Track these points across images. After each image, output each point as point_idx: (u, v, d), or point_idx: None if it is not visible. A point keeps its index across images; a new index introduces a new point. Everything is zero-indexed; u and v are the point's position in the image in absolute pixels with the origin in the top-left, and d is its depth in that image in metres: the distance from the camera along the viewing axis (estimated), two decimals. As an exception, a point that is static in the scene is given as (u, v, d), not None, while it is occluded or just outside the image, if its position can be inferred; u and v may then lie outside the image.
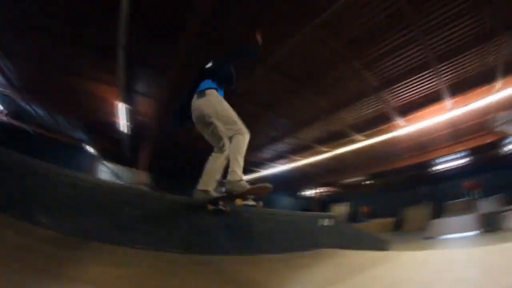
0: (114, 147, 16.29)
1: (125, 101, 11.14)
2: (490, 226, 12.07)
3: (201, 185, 3.66)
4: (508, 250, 3.32)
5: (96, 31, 8.59)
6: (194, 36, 8.35)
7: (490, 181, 20.97)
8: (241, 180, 3.32)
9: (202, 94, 3.57)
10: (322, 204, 30.27)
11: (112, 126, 13.70)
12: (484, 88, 10.65)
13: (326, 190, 28.17)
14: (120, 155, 16.53)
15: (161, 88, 10.29)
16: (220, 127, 3.51)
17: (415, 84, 10.65)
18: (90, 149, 16.87)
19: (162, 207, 3.92)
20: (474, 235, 11.99)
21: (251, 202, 4.63)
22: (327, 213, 6.01)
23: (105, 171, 17.91)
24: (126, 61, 8.75)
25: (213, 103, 3.51)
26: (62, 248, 2.66)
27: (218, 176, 3.79)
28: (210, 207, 3.82)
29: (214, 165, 3.76)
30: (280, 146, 16.57)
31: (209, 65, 4.00)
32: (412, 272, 3.16)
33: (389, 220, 23.71)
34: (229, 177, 3.35)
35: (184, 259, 3.29)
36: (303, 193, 28.45)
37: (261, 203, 11.96)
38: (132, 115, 12.69)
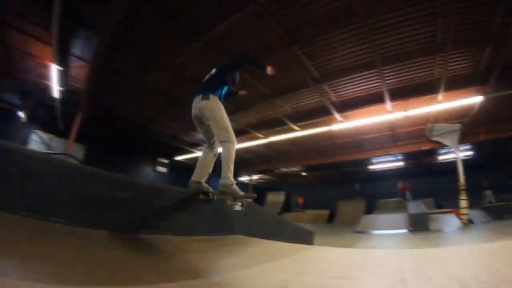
0: (47, 115, 14.40)
1: (59, 62, 9.65)
2: (417, 226, 12.62)
3: (195, 177, 4.19)
4: (421, 255, 3.54)
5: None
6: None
7: (421, 185, 22.29)
8: (233, 184, 3.81)
9: (206, 96, 3.90)
10: (259, 191, 30.34)
11: (45, 90, 12.02)
12: (426, 98, 10.58)
13: (262, 177, 28.03)
14: (53, 123, 14.65)
15: (95, 52, 8.92)
16: (215, 129, 3.88)
17: (357, 82, 10.23)
18: (21, 114, 14.72)
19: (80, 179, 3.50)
20: (402, 233, 12.47)
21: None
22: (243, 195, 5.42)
23: (36, 140, 15.97)
24: (61, 15, 7.35)
25: (214, 108, 3.85)
26: None
27: (209, 170, 4.29)
28: (202, 196, 4.33)
29: (205, 160, 4.23)
30: None
31: (214, 71, 4.36)
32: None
33: (323, 212, 24.15)
34: (222, 181, 3.79)
35: (98, 235, 3.12)
36: (239, 178, 27.86)
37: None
38: (66, 80, 11.23)
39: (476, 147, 17.62)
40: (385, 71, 9.36)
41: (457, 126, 13.20)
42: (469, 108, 11.42)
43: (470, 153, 18.29)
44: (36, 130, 16.08)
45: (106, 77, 10.55)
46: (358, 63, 9.15)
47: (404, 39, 8.07)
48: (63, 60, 10.01)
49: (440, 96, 10.26)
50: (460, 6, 6.87)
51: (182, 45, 8.78)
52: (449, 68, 9.08)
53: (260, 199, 30.03)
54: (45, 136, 16.34)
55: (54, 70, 10.09)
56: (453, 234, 10.79)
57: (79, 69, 10.84)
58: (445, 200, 19.02)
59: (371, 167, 22.10)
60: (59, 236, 2.65)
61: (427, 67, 9.29)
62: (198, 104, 3.98)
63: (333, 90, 10.79)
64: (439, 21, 7.35)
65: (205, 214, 4.80)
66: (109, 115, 14.49)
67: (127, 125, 15.66)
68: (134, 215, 3.77)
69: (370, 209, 21.49)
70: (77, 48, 9.81)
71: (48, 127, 15.95)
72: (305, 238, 7.61)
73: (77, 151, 16.08)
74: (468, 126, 13.16)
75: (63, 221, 3.07)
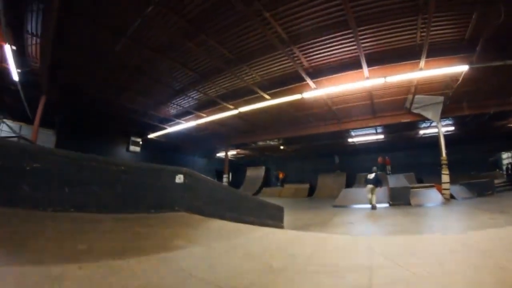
0: (12, 101, 13.01)
1: (11, 41, 8.71)
2: (398, 200, 12.53)
3: None
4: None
5: None
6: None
7: (401, 159, 22.18)
8: None
9: None
10: (237, 167, 29.92)
11: (5, 74, 10.75)
12: (407, 64, 9.85)
13: (240, 152, 27.23)
14: (21, 110, 13.29)
15: (52, 26, 7.74)
16: None
17: (330, 45, 9.24)
18: None
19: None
20: (383, 208, 12.24)
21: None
22: (182, 168, 4.97)
23: (4, 130, 14.97)
24: None
25: None
26: None
27: None
28: None
29: None
30: (186, 101, 14.62)
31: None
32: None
33: (304, 186, 24.00)
34: None
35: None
36: (217, 154, 27.15)
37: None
38: (24, 60, 10.29)
39: (457, 122, 17.39)
40: (361, 33, 8.41)
41: (440, 98, 12.80)
42: (454, 79, 10.91)
43: (451, 128, 17.99)
44: (4, 120, 15.08)
45: (63, 53, 9.53)
46: (330, 22, 8.14)
47: None
48: (16, 38, 9.11)
49: (422, 63, 9.50)
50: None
51: (135, 10, 7.72)
52: (432, 33, 8.29)
53: (239, 175, 29.67)
54: (13, 125, 15.37)
55: (8, 50, 9.04)
56: (435, 209, 10.53)
57: (36, 47, 9.88)
58: (425, 174, 19.40)
59: (350, 140, 21.54)
60: None
61: (408, 30, 8.52)
62: None
63: (304, 55, 9.77)
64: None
65: (136, 188, 4.27)
66: (74, 95, 13.37)
67: (94, 105, 14.64)
68: (46, 189, 3.37)
69: (350, 183, 21.63)
70: (30, 24, 8.87)
71: (16, 115, 14.89)
72: (272, 216, 7.05)
73: (47, 137, 15.37)
74: (452, 99, 12.78)
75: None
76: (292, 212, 7.64)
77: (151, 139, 21.02)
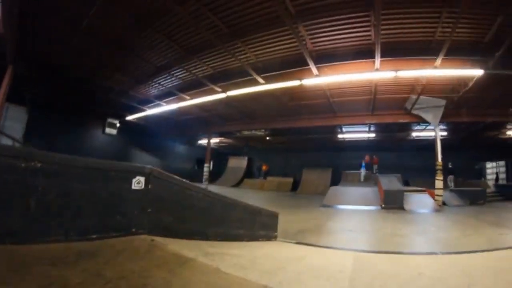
0: None
1: None
2: (391, 203, 11.96)
3: None
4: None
5: None
6: None
7: (388, 160, 21.95)
8: None
9: None
10: (220, 156, 29.05)
11: None
12: (421, 60, 9.17)
13: (223, 141, 26.21)
14: None
15: None
16: None
17: (344, 26, 8.15)
18: None
19: None
20: (375, 210, 11.79)
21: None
22: (146, 167, 3.18)
23: None
24: None
25: None
26: None
27: None
28: None
29: None
30: (168, 80, 13.19)
31: None
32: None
33: (287, 180, 23.53)
34: None
35: None
36: (200, 141, 26.03)
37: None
38: None
39: (451, 128, 17.34)
40: (382, 17, 7.28)
41: (442, 101, 12.27)
42: (463, 83, 10.45)
43: (444, 133, 17.73)
44: None
45: (32, 18, 8.23)
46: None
47: None
48: None
49: (438, 61, 8.82)
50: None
51: None
52: (456, 30, 7.59)
53: (221, 164, 28.76)
54: None
55: None
56: (433, 218, 9.97)
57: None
58: (411, 177, 19.84)
59: (341, 136, 20.84)
60: None
61: (431, 22, 7.77)
62: None
63: (311, 35, 8.54)
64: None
65: (65, 200, 2.48)
66: (46, 69, 11.88)
67: (69, 81, 13.21)
68: None
69: (335, 180, 21.10)
70: None
71: None
72: (265, 225, 5.88)
73: (18, 114, 14.20)
74: (454, 104, 12.40)
75: None
76: (280, 211, 6.70)
77: (129, 121, 19.68)
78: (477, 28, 7.85)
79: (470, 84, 10.00)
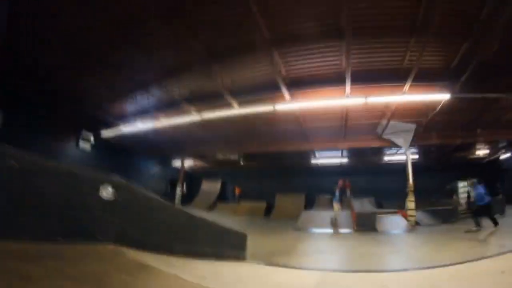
0: None
1: None
2: (364, 226, 12.02)
3: None
4: None
5: None
6: None
7: (361, 183, 22.16)
8: None
9: None
10: (193, 178, 28.61)
11: None
12: (390, 86, 9.46)
13: (198, 163, 26.03)
14: None
15: None
16: None
17: (316, 54, 8.53)
18: None
19: None
20: (347, 233, 11.91)
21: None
22: (114, 178, 3.34)
23: None
24: None
25: None
26: None
27: None
28: None
29: None
30: (145, 98, 13.03)
31: None
32: None
33: (261, 204, 23.19)
34: None
35: None
36: (174, 163, 25.60)
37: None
38: None
39: (422, 151, 17.92)
40: (352, 46, 7.71)
41: (412, 126, 12.78)
42: (431, 107, 10.86)
43: (416, 156, 18.26)
44: None
45: (10, 11, 7.44)
46: (322, 28, 7.41)
47: (383, 10, 6.83)
48: None
49: (406, 87, 9.27)
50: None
51: None
52: (422, 57, 8.06)
53: (194, 187, 28.20)
54: None
55: None
56: (405, 237, 10.51)
57: None
58: (385, 199, 19.71)
59: (314, 161, 21.07)
60: None
61: (399, 51, 8.24)
62: None
63: (285, 61, 8.89)
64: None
65: (33, 199, 2.51)
66: (22, 66, 11.26)
67: (43, 84, 12.65)
68: None
69: (309, 204, 21.11)
70: None
71: None
72: (233, 245, 5.91)
73: None
74: (423, 127, 12.81)
75: None
76: (252, 235, 6.73)
77: (104, 138, 18.87)
78: (444, 55, 8.32)
79: (438, 107, 10.45)
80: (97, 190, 3.11)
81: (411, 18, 6.92)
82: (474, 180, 10.19)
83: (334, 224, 11.80)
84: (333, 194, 19.53)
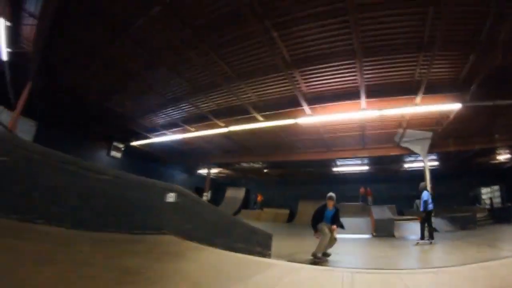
0: None
1: (7, 15, 8.15)
2: (382, 231, 12.42)
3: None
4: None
5: None
6: None
7: (383, 191, 22.36)
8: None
9: None
10: (218, 186, 29.48)
11: None
12: (403, 99, 10.00)
13: (223, 171, 26.89)
14: (4, 93, 12.44)
15: (44, 7, 7.47)
16: None
17: (333, 72, 9.21)
18: None
19: None
20: (366, 239, 12.14)
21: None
22: (174, 186, 4.47)
23: None
24: None
25: None
26: None
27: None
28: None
29: None
30: (175, 112, 14.13)
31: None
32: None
33: (284, 211, 23.64)
34: None
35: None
36: (199, 171, 26.68)
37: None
38: (16, 39, 9.64)
39: (442, 157, 17.87)
40: (365, 64, 8.49)
41: (428, 134, 13.18)
42: (445, 116, 11.26)
43: (435, 163, 18.43)
44: None
45: (57, 41, 9.03)
46: (336, 50, 8.15)
47: (390, 29, 7.32)
48: (13, 13, 8.54)
49: (418, 99, 9.79)
50: (453, 10, 6.51)
51: (139, 9, 7.36)
52: (432, 70, 8.59)
53: (219, 194, 29.11)
54: None
55: (2, 25, 8.43)
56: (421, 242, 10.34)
57: (32, 28, 9.20)
58: (406, 207, 19.39)
59: (335, 169, 21.53)
60: None
61: (409, 65, 8.74)
62: None
63: (305, 79, 9.68)
64: (429, 18, 6.79)
65: (120, 203, 3.62)
66: (62, 87, 12.65)
67: (81, 101, 13.92)
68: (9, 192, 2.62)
69: None
70: (30, 3, 8.41)
71: None
72: (261, 243, 6.72)
73: (28, 127, 14.65)
74: (439, 135, 13.12)
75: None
76: (276, 238, 7.53)
77: (134, 146, 20.34)
78: (452, 67, 8.68)
79: (451, 116, 10.83)
80: (163, 195, 4.19)
81: (417, 35, 7.39)
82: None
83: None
84: (357, 199, 20.24)
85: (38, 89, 11.60)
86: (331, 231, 7.50)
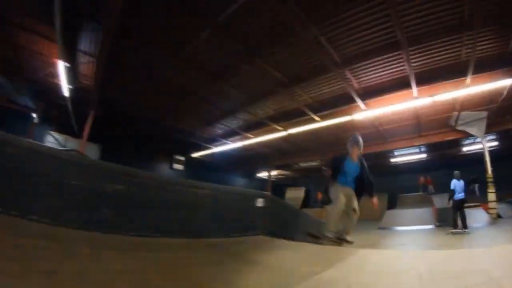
0: (59, 114, 14.40)
1: (65, 58, 9.40)
2: (444, 221, 11.92)
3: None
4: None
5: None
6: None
7: (443, 178, 21.55)
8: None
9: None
10: (278, 187, 30.08)
11: (56, 89, 11.86)
12: (453, 82, 10.04)
13: (281, 173, 27.54)
14: (68, 124, 14.63)
15: (104, 47, 8.60)
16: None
17: (381, 65, 9.72)
18: (35, 116, 14.61)
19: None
20: (428, 229, 11.94)
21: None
22: (262, 192, 5.18)
23: (51, 142, 15.60)
24: (63, 8, 7.12)
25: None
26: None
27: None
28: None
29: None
30: (233, 121, 15.31)
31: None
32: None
33: None
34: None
35: (113, 240, 2.89)
36: (258, 175, 27.70)
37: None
38: (75, 77, 11.07)
39: (501, 137, 16.95)
40: (410, 53, 8.84)
41: (483, 114, 12.79)
42: (498, 93, 10.92)
43: (495, 143, 17.59)
44: (51, 132, 15.96)
45: (115, 72, 10.42)
46: (381, 44, 8.67)
47: (430, 15, 7.57)
48: (70, 56, 9.84)
49: (468, 80, 9.71)
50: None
51: (191, 32, 8.40)
52: (477, 48, 8.53)
53: (278, 196, 29.66)
54: (59, 137, 16.15)
55: (62, 67, 9.91)
56: (484, 230, 10.14)
57: (87, 65, 10.67)
58: (468, 193, 18.27)
59: (393, 159, 21.52)
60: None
61: (454, 47, 8.78)
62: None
63: (355, 76, 10.34)
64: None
65: (221, 212, 4.33)
66: (121, 112, 14.32)
67: (140, 122, 15.46)
68: (130, 213, 3.35)
69: (391, 204, 20.89)
70: (84, 43, 9.67)
71: (63, 128, 15.79)
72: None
73: (92, 150, 15.94)
74: (495, 113, 12.72)
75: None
76: None
77: (194, 157, 21.68)
78: (497, 41, 8.50)
79: (505, 92, 10.51)
80: (254, 201, 4.91)
81: (457, 16, 7.47)
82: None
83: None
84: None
85: (100, 116, 13.07)
86: (351, 200, 5.04)
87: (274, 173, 26.62)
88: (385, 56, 9.22)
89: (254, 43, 8.84)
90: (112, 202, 3.22)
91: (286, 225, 5.62)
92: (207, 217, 4.10)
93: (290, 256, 3.55)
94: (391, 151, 19.41)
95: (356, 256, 3.47)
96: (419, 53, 9.02)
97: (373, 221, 15.25)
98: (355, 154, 5.02)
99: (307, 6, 7.38)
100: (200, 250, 3.36)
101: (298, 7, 7.35)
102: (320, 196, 26.62)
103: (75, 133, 14.62)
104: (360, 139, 5.08)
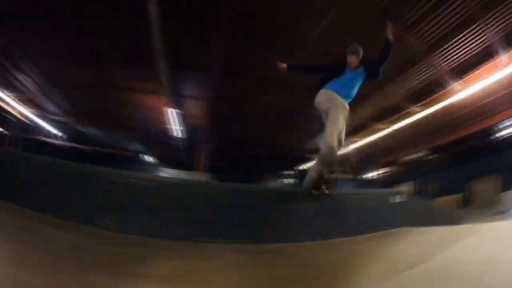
0: (171, 153, 16.73)
1: (174, 106, 11.43)
2: None
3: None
4: None
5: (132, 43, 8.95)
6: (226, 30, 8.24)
7: None
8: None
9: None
10: (385, 186, 29.19)
11: (166, 133, 14.14)
12: None
13: (387, 171, 26.91)
14: (178, 160, 16.94)
15: (206, 88, 10.22)
16: None
17: (464, 42, 9.69)
18: (148, 158, 17.49)
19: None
20: None
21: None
22: (398, 190, 5.62)
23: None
24: (167, 66, 8.83)
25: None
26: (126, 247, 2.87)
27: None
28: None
29: None
30: None
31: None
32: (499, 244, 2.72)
33: (456, 197, 22.20)
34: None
35: (252, 249, 3.26)
36: (364, 176, 27.45)
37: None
38: (184, 119, 13.01)
39: None
40: (488, 20, 8.65)
41: None
42: None
43: None
44: (164, 168, 18.89)
45: (221, 109, 11.89)
46: (458, 21, 8.75)
47: None
48: (177, 103, 11.60)
49: None
50: None
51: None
52: None
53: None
54: (173, 172, 18.57)
55: (170, 113, 12.00)
56: None
57: (193, 107, 12.39)
58: None
59: (499, 134, 19.76)
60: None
61: None
62: None
63: (442, 59, 10.50)
64: None
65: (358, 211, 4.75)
66: (230, 141, 15.99)
67: (248, 148, 16.96)
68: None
69: (507, 185, 18.96)
70: (188, 89, 11.27)
71: (175, 164, 18.44)
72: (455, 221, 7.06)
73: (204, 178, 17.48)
74: None
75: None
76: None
77: (303, 170, 22.20)
78: None
79: None
80: (389, 199, 5.36)
81: None
82: None
83: None
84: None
85: (211, 149, 14.92)
86: (343, 125, 4.80)
87: (380, 171, 26.57)
88: (465, 32, 9.23)
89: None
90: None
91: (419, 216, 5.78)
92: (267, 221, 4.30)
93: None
94: (495, 125, 17.86)
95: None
96: (498, 16, 8.64)
97: (490, 206, 14.99)
98: (352, 62, 4.75)
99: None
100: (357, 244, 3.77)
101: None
102: (430, 188, 25.36)
103: (186, 167, 16.55)
104: (358, 47, 4.75)
